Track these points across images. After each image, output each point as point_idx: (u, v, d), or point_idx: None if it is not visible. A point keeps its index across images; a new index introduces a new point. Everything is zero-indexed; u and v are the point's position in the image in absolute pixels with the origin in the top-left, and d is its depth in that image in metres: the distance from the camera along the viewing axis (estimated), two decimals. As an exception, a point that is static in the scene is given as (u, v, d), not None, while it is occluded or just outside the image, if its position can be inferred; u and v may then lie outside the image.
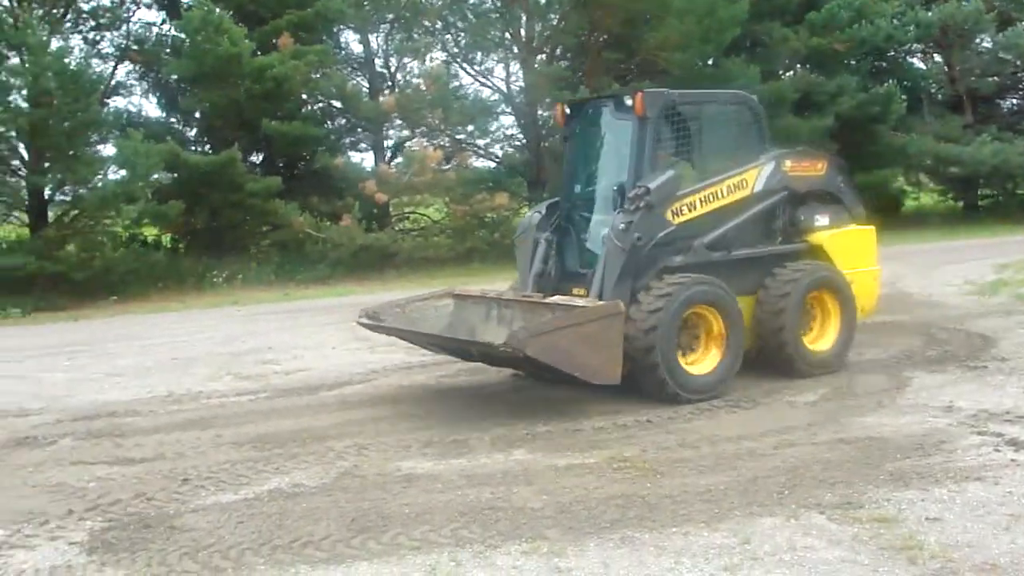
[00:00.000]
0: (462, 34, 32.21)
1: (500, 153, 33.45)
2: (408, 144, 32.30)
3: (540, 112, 31.22)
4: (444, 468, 8.03)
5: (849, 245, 11.60)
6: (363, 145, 34.01)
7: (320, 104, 31.63)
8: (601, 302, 9.62)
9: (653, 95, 10.42)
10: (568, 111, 11.74)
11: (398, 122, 31.42)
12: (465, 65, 32.95)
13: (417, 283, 22.92)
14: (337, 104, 31.46)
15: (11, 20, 23.95)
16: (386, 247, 27.36)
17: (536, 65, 30.28)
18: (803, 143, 28.79)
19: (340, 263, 27.13)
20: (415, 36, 31.25)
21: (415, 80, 31.25)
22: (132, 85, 31.68)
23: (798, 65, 33.36)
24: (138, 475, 8.31)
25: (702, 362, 10.13)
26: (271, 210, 27.20)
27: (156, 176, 26.15)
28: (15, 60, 24.30)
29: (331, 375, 12.51)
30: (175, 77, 29.58)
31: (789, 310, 10.50)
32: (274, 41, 27.41)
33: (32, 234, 25.65)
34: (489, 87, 33.16)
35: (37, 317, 22.04)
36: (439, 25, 31.62)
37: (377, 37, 32.92)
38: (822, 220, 11.45)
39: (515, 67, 32.87)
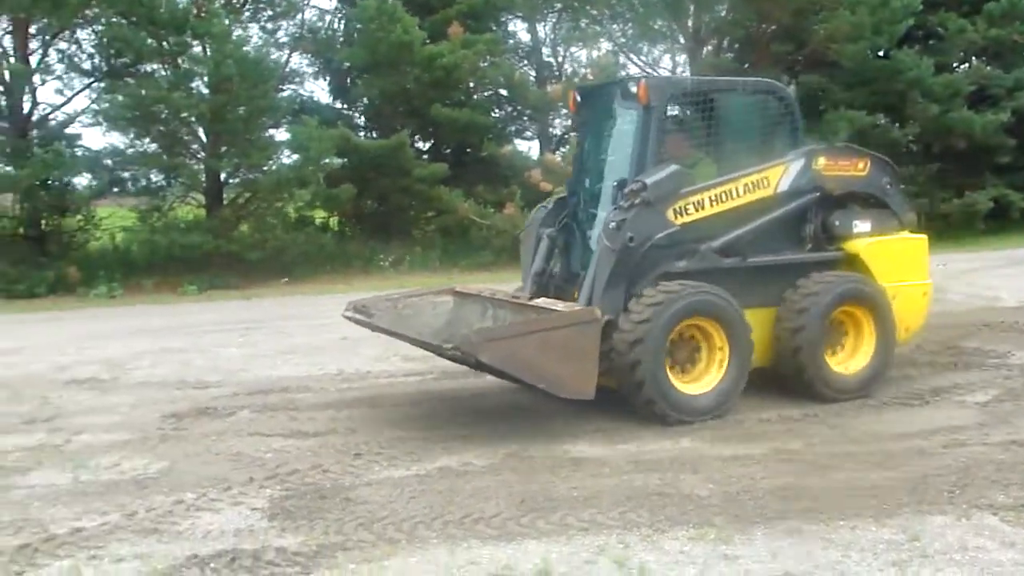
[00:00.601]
0: (629, 24, 32.16)
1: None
2: (574, 133, 32.41)
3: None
4: (611, 453, 8.13)
5: (893, 255, 10.36)
6: (528, 133, 34.33)
7: (488, 92, 31.97)
8: (576, 307, 8.87)
9: (659, 81, 9.59)
10: (579, 97, 10.80)
11: (564, 111, 31.56)
12: (632, 55, 32.94)
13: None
14: (504, 92, 31.77)
15: (195, 11, 24.83)
16: (549, 235, 27.37)
17: (703, 56, 30.02)
18: (976, 138, 28.27)
19: (503, 250, 27.26)
20: (582, 25, 31.38)
21: (582, 69, 31.41)
22: (304, 73, 32.55)
23: (973, 57, 32.28)
24: (312, 448, 8.63)
25: (700, 380, 9.22)
26: (436, 196, 27.54)
27: (327, 160, 26.78)
28: (197, 49, 25.25)
29: (497, 359, 12.68)
30: (347, 64, 30.29)
31: (809, 326, 9.41)
32: (445, 30, 27.78)
33: (208, 215, 26.59)
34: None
35: (212, 295, 22.94)
36: (606, 14, 31.62)
37: (545, 26, 33.26)
38: (862, 226, 10.27)
39: (682, 58, 32.80)
